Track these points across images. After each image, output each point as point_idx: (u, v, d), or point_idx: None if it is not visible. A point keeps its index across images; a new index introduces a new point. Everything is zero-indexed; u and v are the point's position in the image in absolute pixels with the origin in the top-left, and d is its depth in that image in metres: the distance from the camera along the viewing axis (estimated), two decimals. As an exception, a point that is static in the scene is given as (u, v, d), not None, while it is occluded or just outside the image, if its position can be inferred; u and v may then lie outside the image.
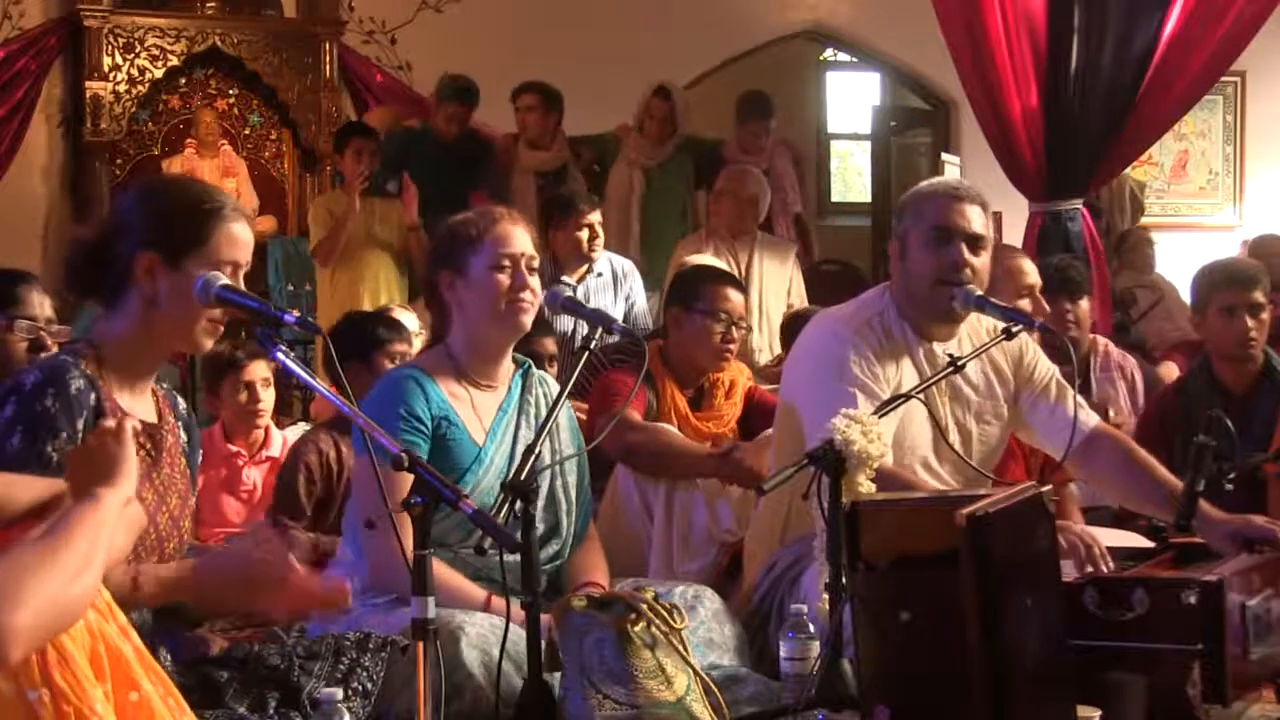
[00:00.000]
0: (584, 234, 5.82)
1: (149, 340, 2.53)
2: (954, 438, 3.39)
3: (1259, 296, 4.36)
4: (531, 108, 7.21)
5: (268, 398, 4.64)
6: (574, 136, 7.42)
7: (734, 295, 4.40)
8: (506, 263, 3.10)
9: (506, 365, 3.22)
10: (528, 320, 3.13)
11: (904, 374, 3.35)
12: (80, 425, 2.41)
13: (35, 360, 2.60)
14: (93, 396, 2.45)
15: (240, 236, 2.54)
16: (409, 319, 5.04)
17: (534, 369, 3.28)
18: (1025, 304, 4.10)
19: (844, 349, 3.31)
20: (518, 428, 3.17)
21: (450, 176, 6.99)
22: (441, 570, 2.95)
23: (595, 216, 5.90)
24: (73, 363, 2.44)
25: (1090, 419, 3.54)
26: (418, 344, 4.66)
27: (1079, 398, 3.48)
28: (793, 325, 5.32)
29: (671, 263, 6.34)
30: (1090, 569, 3.06)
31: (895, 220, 3.50)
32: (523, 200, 7.09)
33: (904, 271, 3.42)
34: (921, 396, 3.20)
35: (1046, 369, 3.57)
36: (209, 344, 2.56)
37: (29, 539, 1.76)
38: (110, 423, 2.03)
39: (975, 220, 3.38)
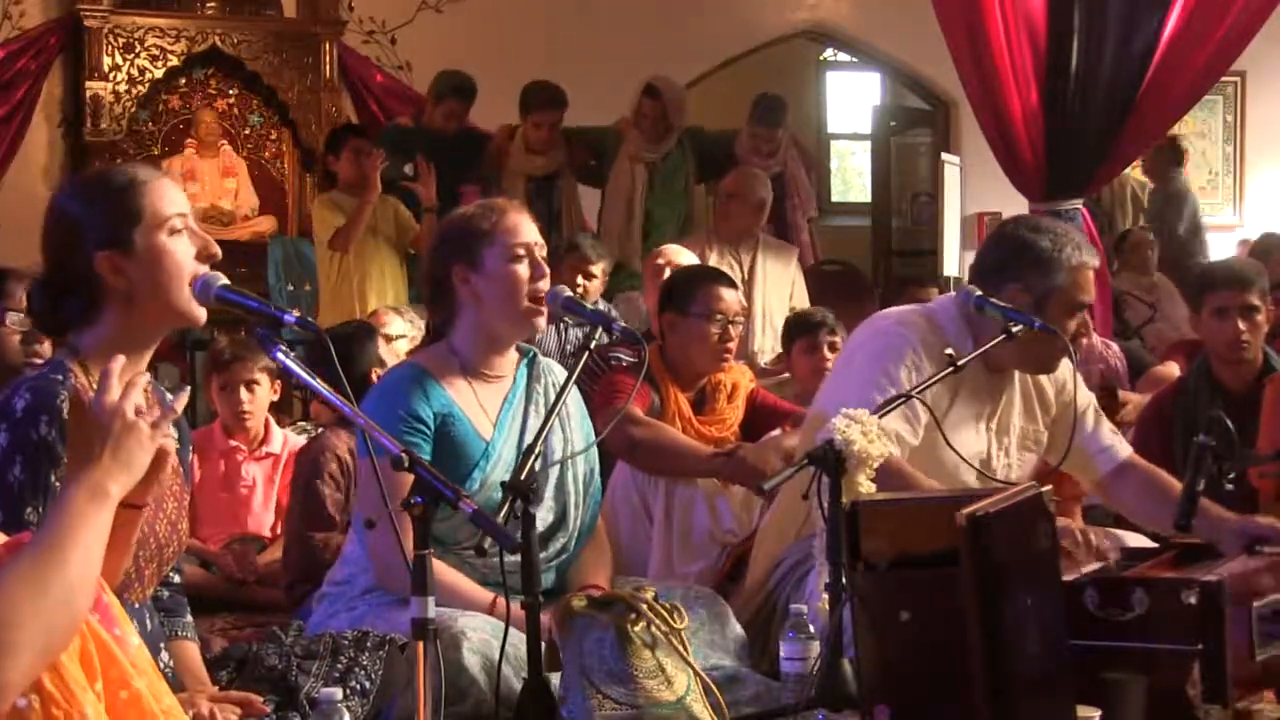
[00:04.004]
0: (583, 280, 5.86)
1: (140, 330, 2.43)
2: (998, 464, 3.41)
3: (1253, 299, 4.33)
4: (540, 125, 7.12)
5: (251, 401, 4.60)
6: (570, 128, 7.32)
7: (728, 295, 4.33)
8: (521, 252, 3.07)
9: (511, 355, 3.18)
10: (543, 320, 3.10)
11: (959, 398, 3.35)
12: None
13: (21, 376, 2.51)
14: None
15: (165, 191, 2.44)
16: (399, 324, 5.02)
17: (539, 357, 3.24)
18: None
19: (902, 353, 3.29)
20: (526, 418, 3.13)
21: (445, 173, 6.94)
22: (448, 573, 2.95)
23: (601, 267, 5.95)
24: (60, 382, 2.34)
25: (1123, 449, 3.56)
26: (404, 346, 4.65)
27: (1114, 428, 3.56)
28: (795, 325, 5.30)
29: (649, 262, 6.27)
30: (1084, 541, 3.07)
31: (1021, 265, 3.34)
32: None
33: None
34: (923, 397, 3.19)
35: (1085, 395, 3.58)
36: (202, 312, 2.44)
37: (20, 562, 1.72)
38: (150, 416, 1.92)
39: None
